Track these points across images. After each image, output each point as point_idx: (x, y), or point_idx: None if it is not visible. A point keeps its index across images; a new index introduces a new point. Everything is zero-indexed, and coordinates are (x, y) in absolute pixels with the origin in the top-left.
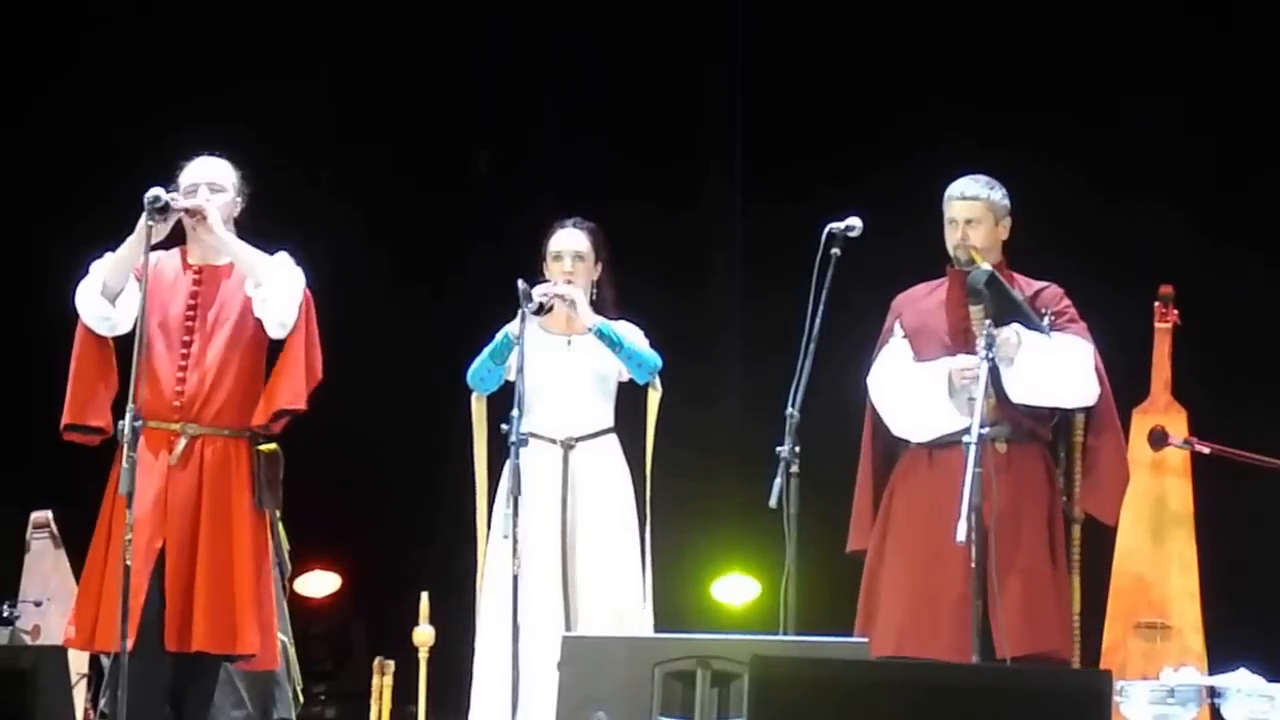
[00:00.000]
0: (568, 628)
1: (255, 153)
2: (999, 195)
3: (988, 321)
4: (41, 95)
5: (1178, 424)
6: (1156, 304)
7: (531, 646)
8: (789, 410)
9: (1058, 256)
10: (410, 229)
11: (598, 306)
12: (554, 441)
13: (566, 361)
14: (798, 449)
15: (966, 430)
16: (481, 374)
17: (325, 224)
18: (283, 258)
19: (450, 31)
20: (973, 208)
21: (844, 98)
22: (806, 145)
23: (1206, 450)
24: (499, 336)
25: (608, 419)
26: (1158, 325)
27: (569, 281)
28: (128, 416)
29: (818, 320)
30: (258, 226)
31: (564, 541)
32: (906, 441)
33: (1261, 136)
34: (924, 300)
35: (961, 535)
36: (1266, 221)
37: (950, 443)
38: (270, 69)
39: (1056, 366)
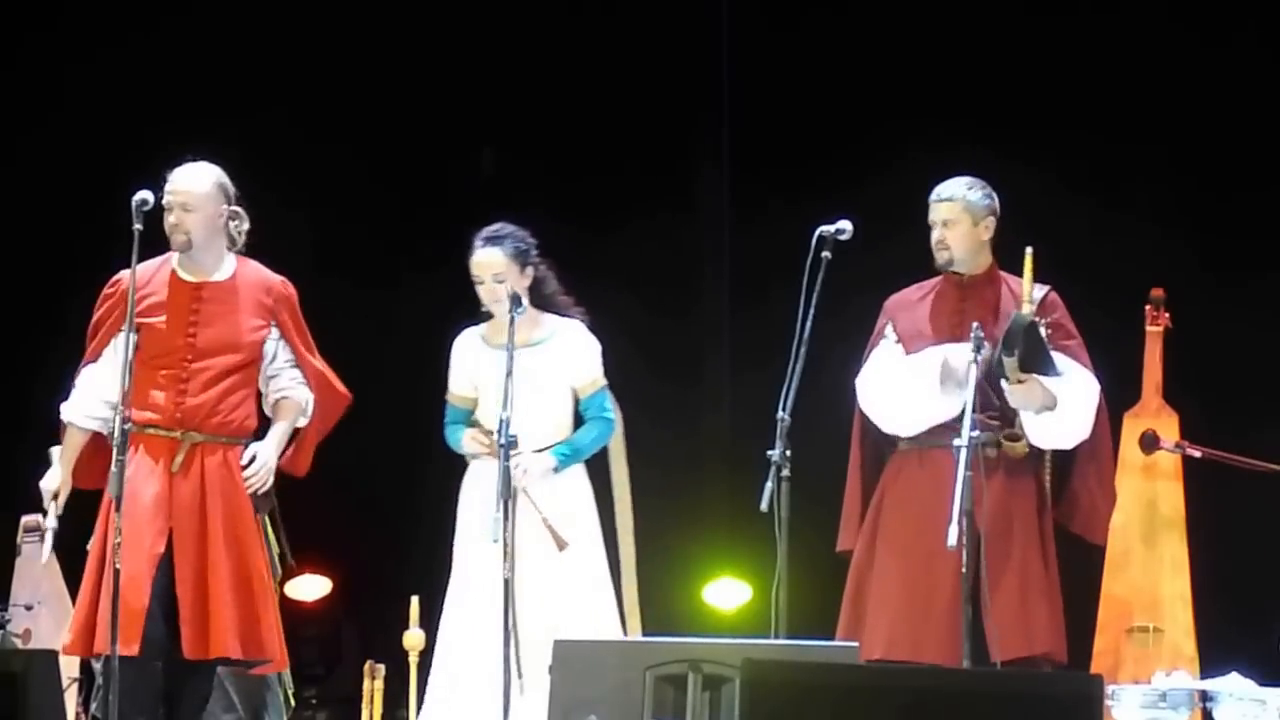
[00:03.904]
0: (515, 649)
1: (251, 150)
2: (978, 195)
3: (976, 324)
4: (41, 96)
5: (1169, 428)
6: (1148, 307)
7: (475, 655)
8: (780, 414)
9: (1049, 259)
10: (403, 234)
11: (544, 305)
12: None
13: (517, 377)
14: (789, 453)
15: (956, 432)
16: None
17: (317, 227)
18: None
19: (444, 41)
20: (948, 209)
21: (834, 107)
22: (797, 153)
23: (1198, 454)
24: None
25: (565, 428)
26: (1149, 329)
27: (495, 300)
28: (116, 420)
29: (808, 324)
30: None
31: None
32: (895, 443)
33: (1255, 141)
34: (916, 304)
35: (953, 539)
36: (1258, 225)
37: (941, 445)
38: (265, 70)
39: (1069, 422)
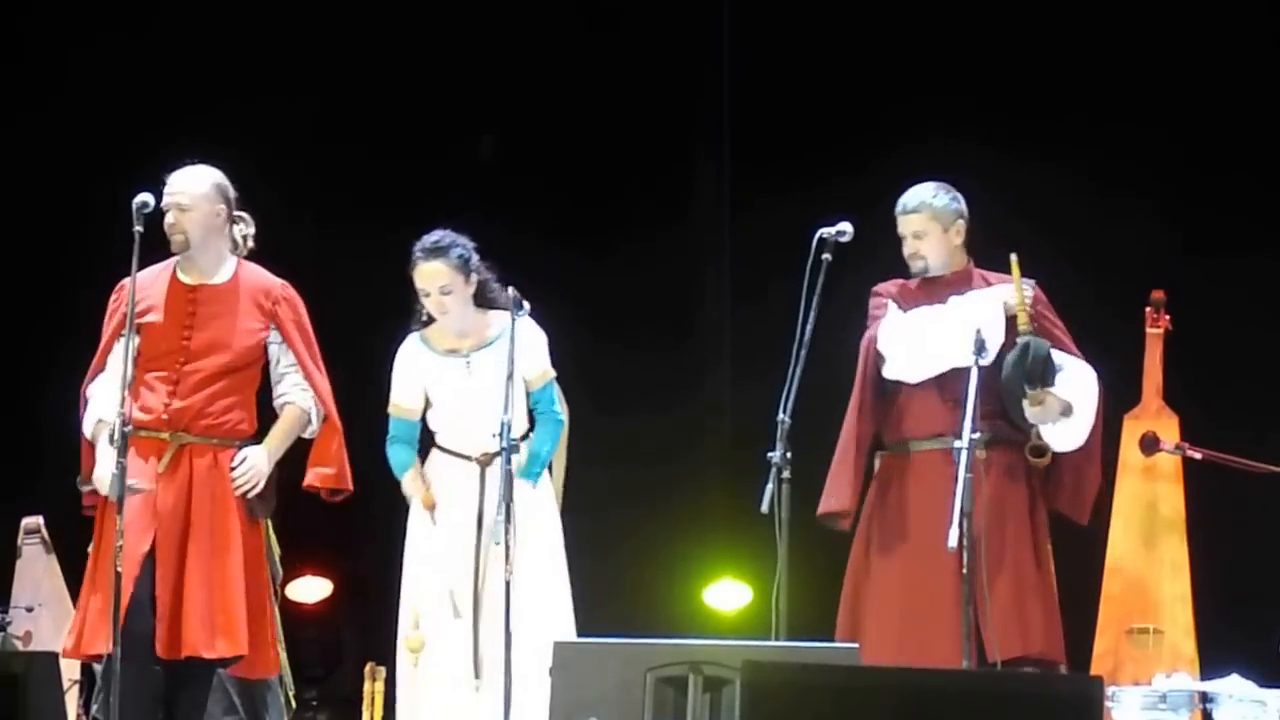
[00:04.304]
0: (475, 649)
1: (252, 142)
2: (944, 201)
3: (978, 327)
4: (41, 100)
5: (1169, 429)
6: (1148, 309)
7: (440, 663)
8: (781, 416)
9: (1050, 261)
10: (406, 236)
11: (489, 304)
12: (470, 458)
13: (469, 383)
14: (789, 454)
15: (954, 433)
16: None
17: (321, 229)
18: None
19: (443, 36)
20: (916, 220)
21: (834, 106)
22: (797, 154)
23: (1198, 456)
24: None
25: (520, 427)
26: (1149, 331)
27: (443, 312)
28: (116, 423)
29: (809, 326)
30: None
31: (478, 559)
32: (887, 446)
33: (1256, 144)
34: (905, 288)
35: (953, 542)
36: (1258, 227)
37: (932, 448)
38: (264, 65)
39: (1083, 421)
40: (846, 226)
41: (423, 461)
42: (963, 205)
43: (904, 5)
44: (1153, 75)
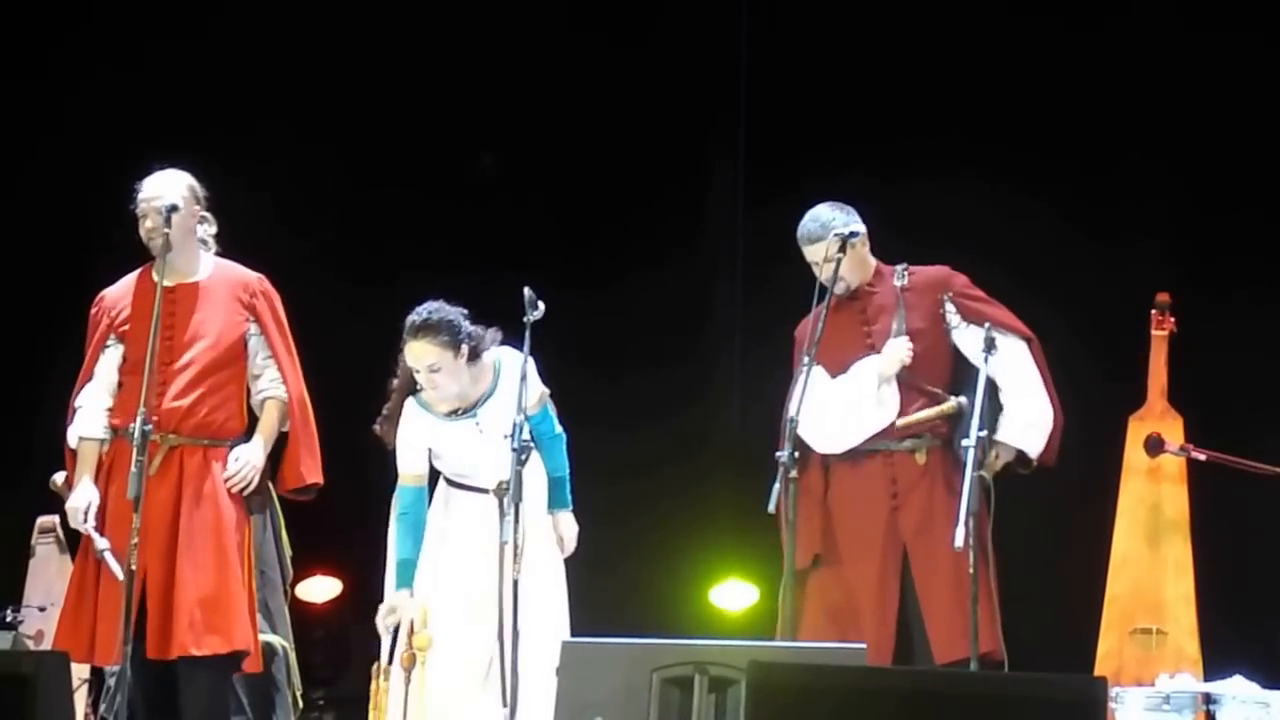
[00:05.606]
0: (513, 678)
1: (250, 159)
2: (842, 220)
3: (987, 324)
4: (57, 113)
5: (1174, 431)
6: (1153, 311)
7: (438, 664)
8: (790, 416)
9: (1055, 262)
10: (412, 235)
11: (478, 356)
12: (486, 491)
13: (484, 442)
14: (797, 455)
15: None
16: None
17: (327, 232)
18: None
19: (453, 37)
20: (820, 249)
21: (846, 115)
22: (812, 156)
23: (1203, 457)
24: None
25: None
26: (1154, 333)
27: (434, 388)
28: (138, 421)
29: (820, 326)
30: (257, 228)
31: (515, 592)
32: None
33: (1260, 147)
34: (817, 324)
35: (960, 541)
36: (1263, 230)
37: (864, 449)
38: (265, 77)
39: (1039, 419)
40: (859, 228)
41: (431, 492)
42: (856, 215)
43: (919, 14)
44: (1154, 76)
